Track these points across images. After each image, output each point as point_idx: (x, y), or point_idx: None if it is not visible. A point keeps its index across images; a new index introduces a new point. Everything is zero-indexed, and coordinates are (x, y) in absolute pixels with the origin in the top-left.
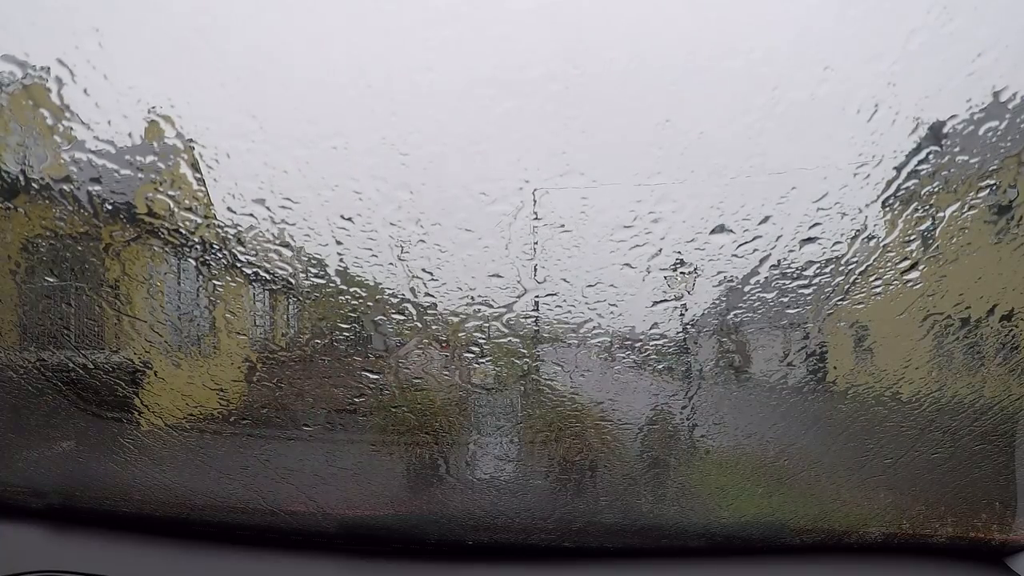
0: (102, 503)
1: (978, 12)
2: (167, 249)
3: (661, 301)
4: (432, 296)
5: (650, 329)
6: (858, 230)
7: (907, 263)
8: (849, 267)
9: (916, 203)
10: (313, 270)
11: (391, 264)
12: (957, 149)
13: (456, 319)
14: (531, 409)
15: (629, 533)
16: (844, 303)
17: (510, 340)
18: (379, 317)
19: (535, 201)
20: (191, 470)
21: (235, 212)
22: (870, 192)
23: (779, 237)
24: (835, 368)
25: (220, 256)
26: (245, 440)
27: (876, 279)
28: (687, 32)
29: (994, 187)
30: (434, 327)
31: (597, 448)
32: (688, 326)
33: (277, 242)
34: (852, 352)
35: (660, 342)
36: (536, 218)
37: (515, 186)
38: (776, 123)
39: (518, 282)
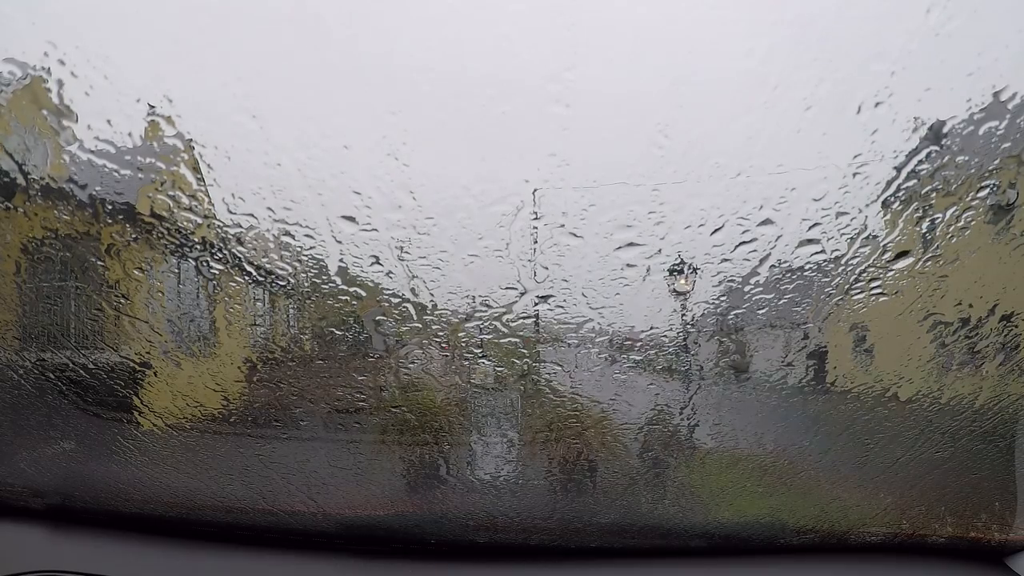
0: (102, 503)
1: (978, 12)
2: (167, 249)
3: (661, 301)
4: (432, 296)
5: (650, 329)
6: (858, 230)
7: (907, 263)
8: (849, 267)
9: (916, 203)
10: (313, 270)
11: (391, 264)
12: (957, 149)
13: (456, 319)
14: (531, 409)
15: (629, 533)
16: (844, 303)
17: (510, 340)
18: (379, 317)
19: (535, 201)
20: (191, 470)
21: (235, 212)
22: (870, 192)
23: (779, 237)
24: (835, 368)
25: (220, 256)
26: (245, 440)
27: (876, 279)
28: (687, 32)
29: (994, 187)
30: (434, 327)
31: (597, 448)
32: (688, 326)
33: (277, 242)
34: (852, 352)
35: (660, 342)
36: (536, 218)
37: (515, 186)
38: (776, 123)
39: (518, 282)
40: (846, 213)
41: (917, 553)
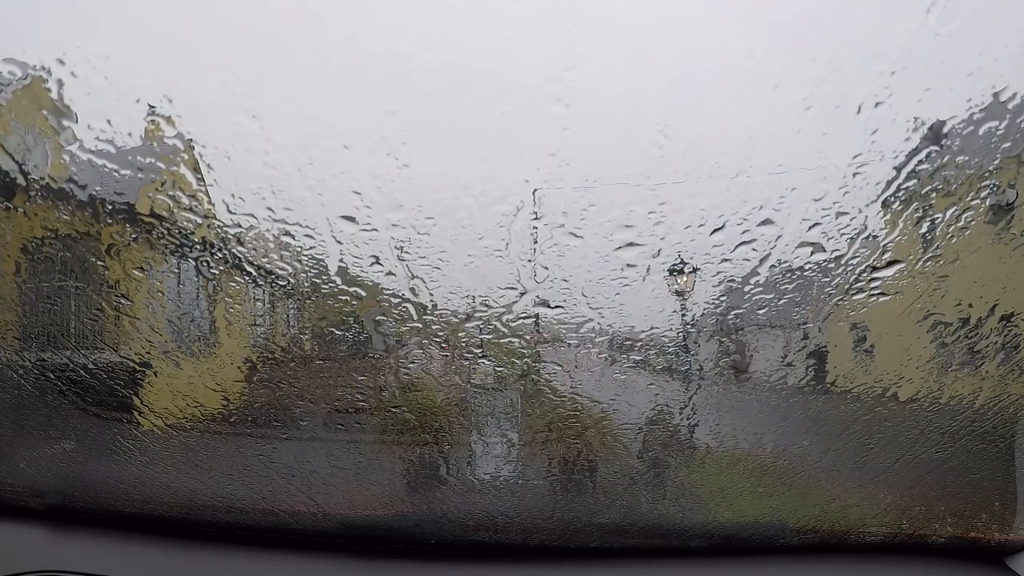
0: (102, 503)
1: (978, 12)
2: (167, 249)
3: (661, 301)
4: (432, 296)
5: (650, 329)
6: (858, 230)
7: (906, 263)
8: (849, 267)
9: (916, 203)
10: (313, 270)
11: (391, 264)
12: (957, 149)
13: (456, 319)
14: (531, 409)
15: (629, 533)
16: (844, 303)
17: (510, 340)
18: (379, 317)
19: (535, 201)
20: (191, 470)
21: (235, 212)
22: (870, 192)
23: (779, 237)
24: (835, 368)
25: (220, 256)
26: (245, 440)
27: (876, 279)
28: (687, 32)
29: (994, 187)
30: (434, 327)
31: (597, 448)
32: (688, 326)
33: (277, 242)
34: (852, 352)
35: (660, 342)
36: (536, 218)
37: (515, 186)
38: (776, 123)
39: (518, 282)
40: (846, 213)
41: (917, 553)
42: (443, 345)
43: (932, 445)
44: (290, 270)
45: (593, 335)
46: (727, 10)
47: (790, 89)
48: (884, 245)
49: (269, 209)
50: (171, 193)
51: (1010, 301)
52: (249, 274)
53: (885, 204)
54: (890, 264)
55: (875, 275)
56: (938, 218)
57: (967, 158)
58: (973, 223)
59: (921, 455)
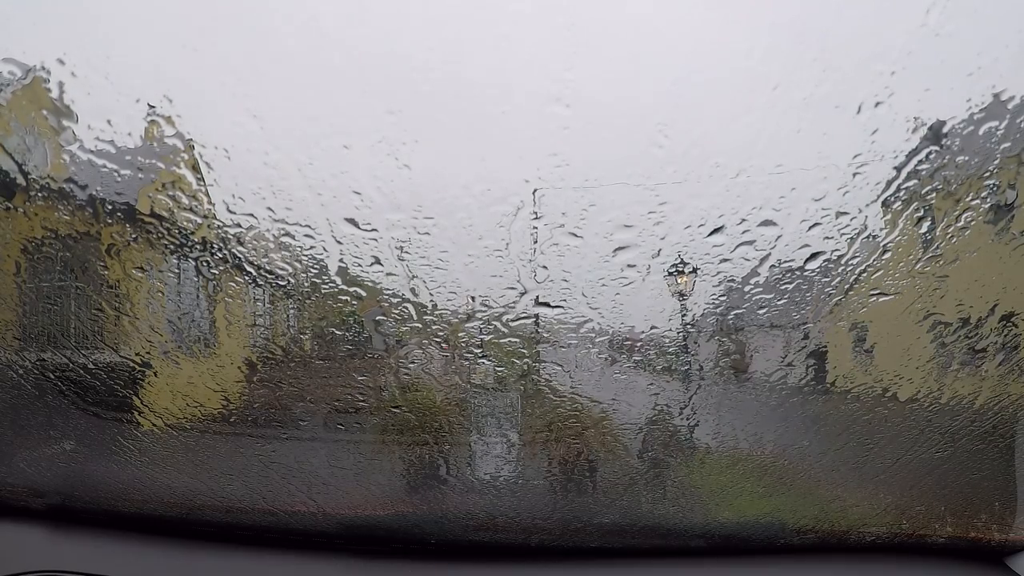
0: (102, 503)
1: (978, 12)
2: (167, 249)
3: (661, 301)
4: (432, 296)
5: (650, 329)
6: (858, 230)
7: (906, 263)
8: (849, 267)
9: (916, 203)
10: (313, 270)
11: (391, 264)
12: (957, 149)
13: (456, 319)
14: (531, 409)
15: (629, 533)
16: (844, 303)
17: (510, 340)
18: (379, 317)
19: (535, 201)
20: (191, 470)
21: (235, 212)
22: (870, 192)
23: (779, 237)
24: (835, 368)
25: (220, 256)
26: (245, 440)
27: (876, 279)
28: (687, 32)
29: (994, 187)
30: (434, 327)
31: (597, 448)
32: (688, 326)
33: (277, 242)
34: (852, 352)
35: (660, 342)
36: (536, 218)
37: (515, 186)
38: (776, 123)
39: (518, 282)
40: (846, 213)
41: (917, 553)
42: (443, 345)
43: (932, 445)
44: (290, 270)
45: (593, 335)
46: (727, 10)
47: (790, 89)
48: (884, 245)
49: (269, 209)
50: (171, 193)
51: (1010, 301)
52: (249, 274)
53: (885, 204)
54: (890, 264)
55: (875, 275)
56: (938, 218)
57: (967, 158)
58: (973, 223)
59: (921, 455)
